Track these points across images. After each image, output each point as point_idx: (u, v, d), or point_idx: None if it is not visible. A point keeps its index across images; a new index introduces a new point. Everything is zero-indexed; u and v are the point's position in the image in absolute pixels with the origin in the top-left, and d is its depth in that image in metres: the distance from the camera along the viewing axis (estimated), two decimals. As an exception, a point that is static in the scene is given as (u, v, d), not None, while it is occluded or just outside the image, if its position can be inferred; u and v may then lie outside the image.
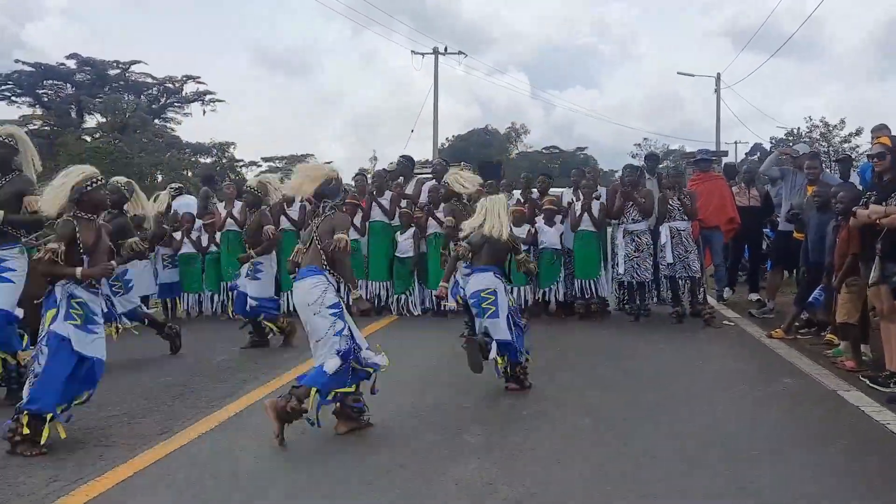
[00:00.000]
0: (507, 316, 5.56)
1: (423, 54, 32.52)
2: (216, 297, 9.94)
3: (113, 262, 4.77)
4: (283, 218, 9.80)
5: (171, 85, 43.78)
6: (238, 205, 9.14)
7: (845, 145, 35.53)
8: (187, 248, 10.02)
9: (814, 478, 3.80)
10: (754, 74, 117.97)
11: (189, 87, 44.03)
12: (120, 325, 6.62)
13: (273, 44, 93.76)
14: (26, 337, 5.46)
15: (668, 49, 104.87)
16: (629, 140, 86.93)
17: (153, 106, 43.14)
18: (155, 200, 10.08)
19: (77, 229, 4.43)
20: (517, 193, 9.99)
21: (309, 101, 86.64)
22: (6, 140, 5.36)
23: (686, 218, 8.88)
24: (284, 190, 4.72)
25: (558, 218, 9.38)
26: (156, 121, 41.99)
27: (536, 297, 9.39)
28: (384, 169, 11.47)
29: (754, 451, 4.17)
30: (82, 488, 3.73)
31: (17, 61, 41.62)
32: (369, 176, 11.66)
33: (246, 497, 3.65)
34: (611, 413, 5.02)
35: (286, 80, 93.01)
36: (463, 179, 7.74)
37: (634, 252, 8.95)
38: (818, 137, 37.61)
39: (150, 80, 43.36)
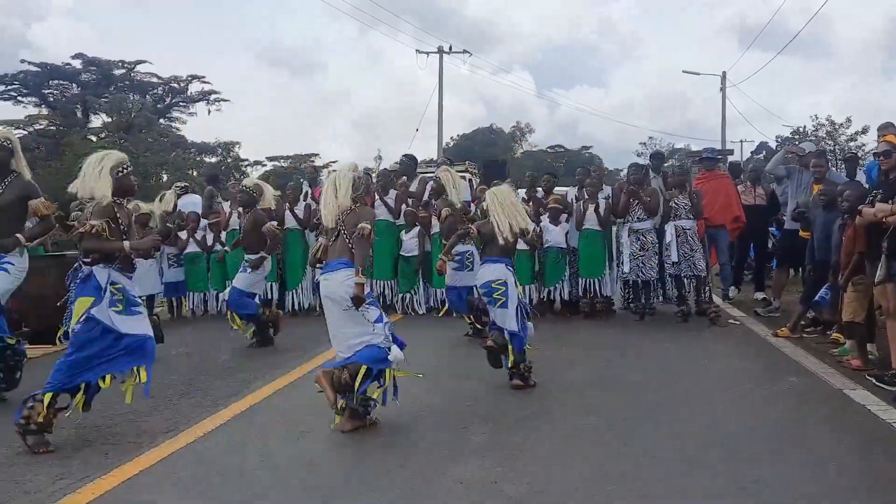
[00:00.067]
0: (517, 307, 5.66)
1: (427, 53, 32.52)
2: (221, 296, 9.96)
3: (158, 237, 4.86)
4: (287, 216, 9.84)
5: (176, 85, 43.82)
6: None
7: (851, 144, 35.41)
8: (192, 248, 10.05)
9: (815, 477, 3.80)
10: (760, 72, 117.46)
11: (194, 87, 44.08)
12: None
13: (278, 43, 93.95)
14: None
15: (673, 47, 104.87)
16: (634, 139, 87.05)
17: (158, 106, 43.19)
18: (161, 200, 10.13)
19: (115, 210, 4.52)
20: (522, 192, 9.98)
21: (314, 100, 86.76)
22: (4, 143, 5.38)
23: (692, 217, 8.87)
24: (323, 211, 4.88)
25: (563, 217, 9.37)
26: (161, 120, 42.03)
27: (541, 296, 9.38)
28: (387, 168, 11.49)
29: (756, 451, 4.16)
30: (88, 486, 3.74)
31: (22, 61, 41.72)
32: (374, 175, 11.66)
33: (251, 495, 3.66)
34: (612, 412, 5.02)
35: (291, 80, 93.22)
36: (454, 180, 7.92)
37: (640, 251, 8.94)
38: (824, 136, 37.50)
39: (155, 79, 43.43)
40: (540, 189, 9.86)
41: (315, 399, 5.42)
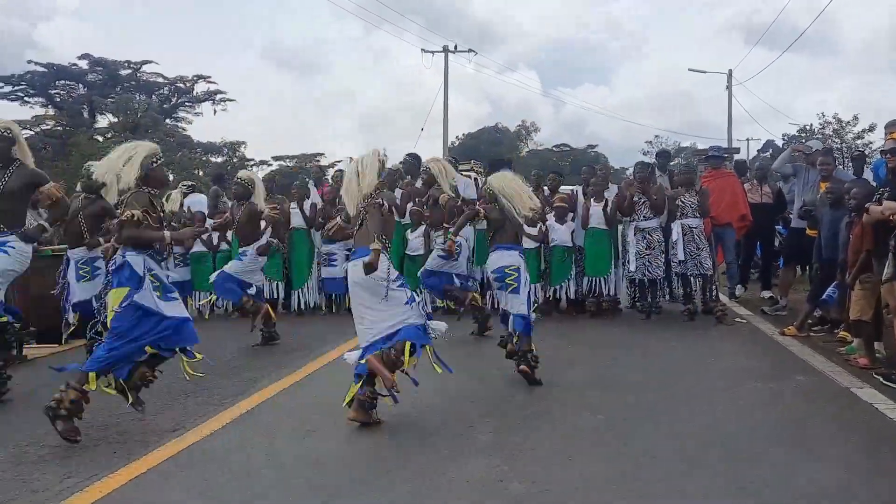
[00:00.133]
0: (528, 292, 5.79)
1: (433, 52, 32.57)
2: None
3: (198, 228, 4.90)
4: (293, 214, 9.85)
5: (182, 85, 43.96)
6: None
7: (858, 141, 35.33)
8: (199, 247, 10.07)
9: (818, 476, 3.78)
10: (766, 70, 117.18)
11: (200, 87, 44.25)
12: None
13: (284, 43, 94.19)
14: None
15: (678, 45, 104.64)
16: (640, 137, 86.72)
17: (164, 106, 43.35)
18: (167, 199, 10.14)
19: (152, 200, 4.55)
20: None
21: (319, 99, 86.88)
22: (5, 133, 5.43)
23: (698, 215, 8.85)
24: (345, 197, 4.93)
25: (570, 215, 9.36)
26: (167, 120, 42.20)
27: (547, 295, 9.37)
28: (391, 167, 11.47)
29: (757, 451, 4.15)
30: (96, 485, 3.75)
31: (29, 62, 42.02)
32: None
33: (257, 493, 3.66)
34: (617, 411, 5.00)
35: (297, 79, 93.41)
36: (445, 170, 7.95)
37: (646, 249, 8.92)
38: (831, 134, 37.40)
39: (161, 79, 43.58)
40: (546, 188, 9.84)
41: (321, 398, 5.45)
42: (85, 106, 40.97)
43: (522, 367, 5.66)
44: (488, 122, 61.35)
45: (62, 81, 41.37)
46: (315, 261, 9.99)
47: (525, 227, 6.11)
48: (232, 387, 5.83)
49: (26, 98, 40.70)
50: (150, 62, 43.05)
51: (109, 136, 36.54)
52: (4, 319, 5.47)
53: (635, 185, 9.07)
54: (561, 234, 9.22)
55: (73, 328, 6.84)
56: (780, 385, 5.70)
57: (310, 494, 3.68)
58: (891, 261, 5.50)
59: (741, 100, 45.95)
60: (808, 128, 39.47)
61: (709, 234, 9.15)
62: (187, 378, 4.84)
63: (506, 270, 5.75)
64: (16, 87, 40.38)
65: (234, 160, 41.02)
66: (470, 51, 35.71)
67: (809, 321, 7.80)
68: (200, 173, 33.44)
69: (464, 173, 9.97)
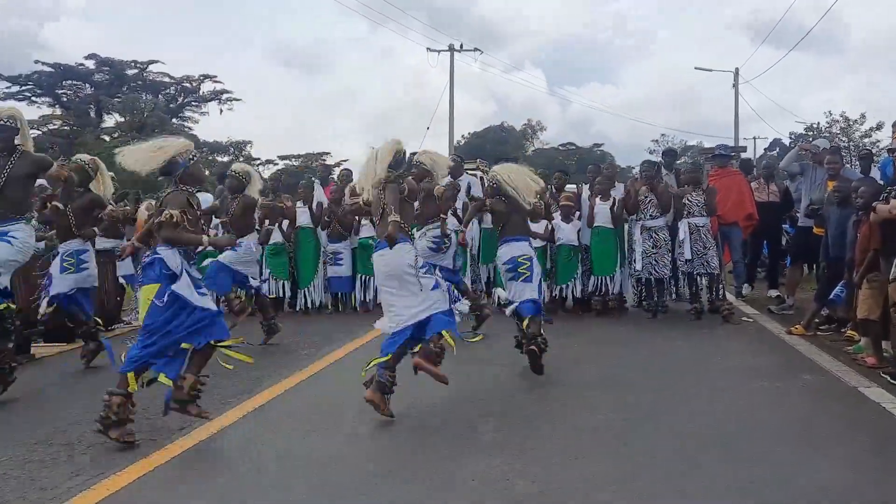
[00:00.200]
0: (540, 281, 5.94)
1: (438, 51, 32.57)
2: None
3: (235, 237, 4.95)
4: (299, 213, 9.86)
5: (188, 84, 44.10)
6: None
7: (866, 140, 35.18)
8: (205, 246, 10.07)
9: (824, 476, 3.76)
10: (773, 69, 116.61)
11: (206, 87, 44.39)
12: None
13: (289, 42, 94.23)
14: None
15: (685, 44, 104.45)
16: (646, 136, 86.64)
17: (171, 105, 43.48)
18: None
19: (190, 200, 4.53)
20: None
21: (325, 98, 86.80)
22: (8, 122, 5.46)
23: (705, 214, 8.82)
24: (363, 182, 4.95)
25: (576, 214, 9.35)
26: (173, 120, 42.27)
27: (553, 294, 9.36)
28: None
29: (757, 450, 4.13)
30: (103, 483, 3.76)
31: (36, 62, 42.15)
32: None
33: (263, 492, 3.67)
34: (616, 412, 4.99)
35: (302, 78, 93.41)
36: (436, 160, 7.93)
37: (652, 248, 8.90)
38: (838, 132, 37.25)
39: (167, 79, 43.73)
40: (551, 187, 9.82)
41: (326, 397, 5.47)
42: (92, 106, 41.14)
43: (531, 346, 5.69)
44: (494, 121, 61.35)
45: (69, 81, 41.54)
46: (321, 260, 10.00)
47: (530, 223, 6.15)
48: (237, 386, 5.83)
49: (33, 98, 40.91)
50: (157, 62, 43.26)
51: (116, 135, 36.67)
52: (3, 306, 5.46)
53: (645, 183, 9.04)
54: (567, 232, 9.19)
55: (46, 319, 6.64)
56: (786, 384, 5.69)
57: (315, 493, 3.69)
58: (898, 260, 5.48)
59: (748, 98, 45.99)
60: (815, 126, 39.32)
61: (715, 232, 9.13)
62: (229, 367, 4.82)
63: (518, 260, 5.85)
64: (23, 87, 40.58)
65: (240, 159, 41.08)
66: (476, 50, 35.49)
67: (816, 320, 7.78)
68: (207, 172, 33.46)
69: (470, 172, 9.98)
